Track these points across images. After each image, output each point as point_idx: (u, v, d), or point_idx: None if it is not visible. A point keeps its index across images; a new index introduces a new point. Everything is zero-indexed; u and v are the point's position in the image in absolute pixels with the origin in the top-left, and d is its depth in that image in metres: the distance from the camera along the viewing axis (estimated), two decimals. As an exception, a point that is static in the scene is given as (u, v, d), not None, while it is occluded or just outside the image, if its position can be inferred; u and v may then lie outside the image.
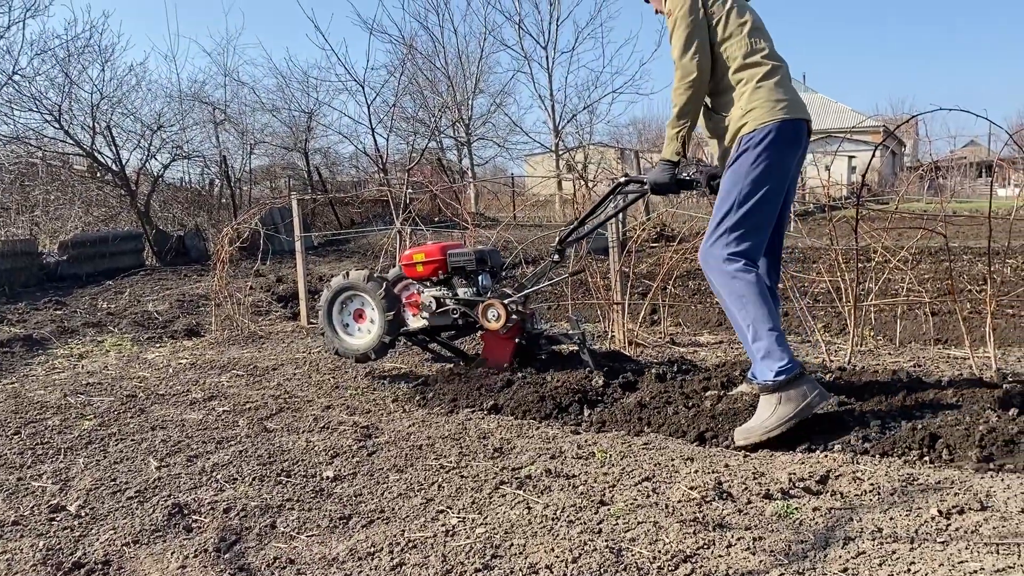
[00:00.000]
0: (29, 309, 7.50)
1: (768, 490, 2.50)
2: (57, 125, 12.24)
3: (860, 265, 4.46)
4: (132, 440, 3.41)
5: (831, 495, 2.46)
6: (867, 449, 2.83)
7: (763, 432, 2.96)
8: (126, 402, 4.08)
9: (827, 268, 5.67)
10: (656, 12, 3.59)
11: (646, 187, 3.59)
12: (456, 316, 4.34)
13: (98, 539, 2.39)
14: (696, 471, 2.72)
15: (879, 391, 3.39)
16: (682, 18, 3.20)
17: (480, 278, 4.34)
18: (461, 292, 4.35)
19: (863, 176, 5.07)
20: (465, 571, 2.08)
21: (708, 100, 3.32)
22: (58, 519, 2.56)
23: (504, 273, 4.53)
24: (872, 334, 5.08)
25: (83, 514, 2.60)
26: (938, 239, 4.79)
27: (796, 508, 2.36)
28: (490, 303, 4.16)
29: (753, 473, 2.67)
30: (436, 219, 12.46)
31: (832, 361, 4.27)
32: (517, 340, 4.24)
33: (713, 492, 2.49)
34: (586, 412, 3.51)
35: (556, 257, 4.13)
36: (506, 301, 4.15)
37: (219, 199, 16.25)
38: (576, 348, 4.19)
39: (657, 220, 10.89)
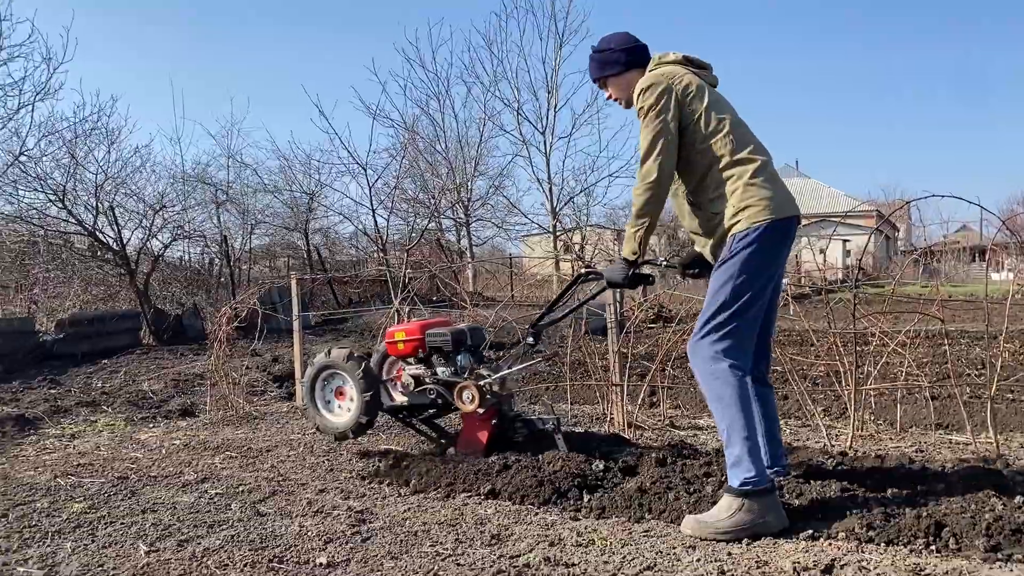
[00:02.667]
0: (23, 388, 7.44)
1: (772, 580, 2.44)
2: (60, 205, 12.39)
3: (858, 348, 4.46)
4: (122, 523, 3.33)
5: (837, 585, 2.41)
6: (872, 537, 2.77)
7: (714, 531, 2.89)
8: (117, 484, 4.01)
9: (825, 351, 5.66)
10: (608, 98, 3.57)
11: (604, 280, 3.62)
12: (433, 396, 4.33)
13: (82, 629, 2.32)
14: (699, 559, 2.66)
15: (882, 477, 3.35)
16: (649, 119, 3.19)
17: (459, 358, 4.30)
18: (440, 371, 4.33)
19: (859, 260, 5.12)
20: (461, 665, 2.01)
21: (692, 198, 3.29)
22: (42, 607, 2.49)
23: (489, 352, 4.50)
24: (872, 418, 5.04)
25: (68, 602, 2.52)
26: (935, 323, 4.81)
27: (802, 599, 2.29)
28: (464, 385, 4.14)
29: (756, 562, 2.61)
30: (435, 298, 12.50)
31: (833, 446, 4.22)
32: (493, 423, 4.19)
33: (716, 582, 2.43)
34: (586, 498, 3.45)
35: (531, 340, 4.09)
36: (481, 383, 4.12)
37: (218, 278, 16.35)
38: (551, 431, 4.13)
39: (655, 301, 10.94)
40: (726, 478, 3.10)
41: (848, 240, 33.94)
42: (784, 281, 3.79)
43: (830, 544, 2.77)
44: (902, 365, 5.17)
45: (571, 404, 6.14)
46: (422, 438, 4.77)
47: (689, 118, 3.22)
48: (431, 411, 4.61)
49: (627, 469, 3.72)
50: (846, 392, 4.49)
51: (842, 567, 2.54)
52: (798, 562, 2.56)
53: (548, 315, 4.16)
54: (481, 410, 4.12)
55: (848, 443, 4.27)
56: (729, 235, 3.12)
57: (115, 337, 10.70)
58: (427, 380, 4.34)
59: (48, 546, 3.08)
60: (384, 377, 4.69)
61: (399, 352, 4.44)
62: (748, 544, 2.83)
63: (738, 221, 3.09)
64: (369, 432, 5.10)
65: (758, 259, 3.06)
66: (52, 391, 7.33)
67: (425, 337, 4.33)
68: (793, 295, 9.13)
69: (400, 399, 4.53)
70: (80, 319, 10.41)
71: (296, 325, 6.83)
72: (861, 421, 4.64)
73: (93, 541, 3.12)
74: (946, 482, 3.22)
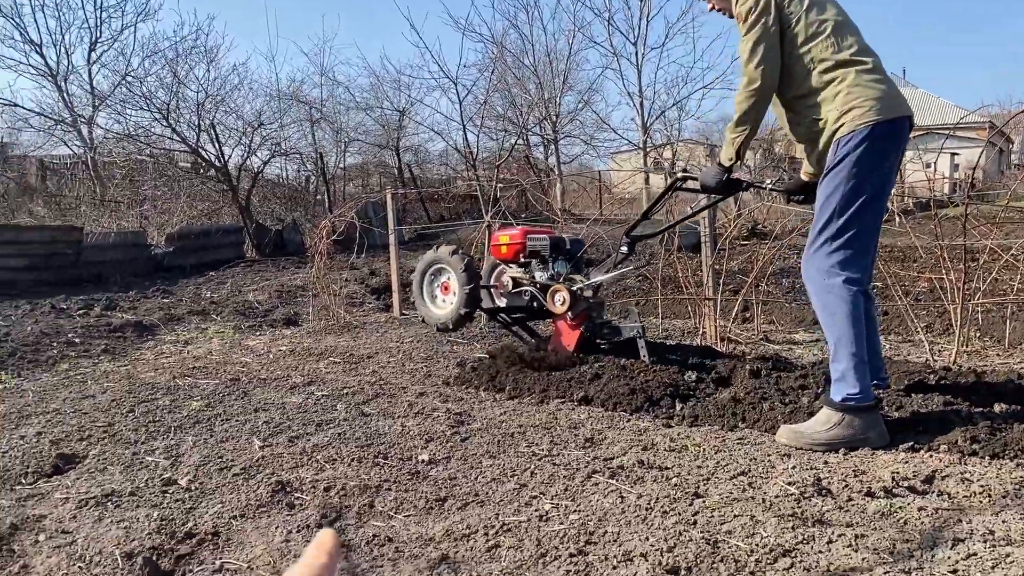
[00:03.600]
0: (139, 297, 7.89)
1: (870, 488, 2.43)
2: (165, 123, 12.83)
3: (967, 264, 4.28)
4: (236, 420, 3.55)
5: (938, 495, 2.38)
6: (976, 450, 2.71)
7: (810, 442, 2.89)
8: (230, 385, 4.25)
9: (931, 267, 5.45)
10: (711, 9, 3.45)
11: (699, 185, 3.62)
12: (528, 298, 4.52)
13: (207, 511, 2.51)
14: (794, 467, 2.67)
15: (987, 392, 3.25)
16: (750, 24, 3.07)
17: (555, 264, 4.48)
18: (537, 275, 4.51)
19: (971, 171, 4.86)
20: (560, 555, 2.09)
21: (795, 104, 3.16)
22: (170, 491, 2.70)
23: (584, 262, 4.63)
24: (978, 335, 4.86)
25: (193, 488, 2.73)
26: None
27: (900, 507, 2.28)
28: (557, 289, 4.30)
29: (853, 471, 2.60)
30: (524, 215, 12.51)
31: (936, 361, 4.11)
32: (583, 329, 4.30)
33: (812, 488, 2.44)
34: (678, 406, 3.48)
35: (624, 249, 4.17)
36: (574, 288, 4.27)
37: (314, 195, 16.74)
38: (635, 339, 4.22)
39: (749, 217, 10.67)
40: (824, 391, 3.07)
41: (957, 154, 32.07)
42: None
43: (931, 456, 2.73)
44: (1012, 281, 4.94)
45: (662, 319, 6.12)
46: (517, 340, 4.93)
47: (788, 21, 3.07)
48: (526, 314, 4.80)
49: (720, 380, 3.72)
50: (952, 308, 4.33)
51: (943, 478, 2.51)
52: (897, 472, 2.54)
53: (642, 224, 4.17)
54: (571, 314, 4.26)
55: (952, 358, 4.15)
56: (833, 140, 2.99)
57: (220, 250, 11.17)
58: (524, 283, 4.54)
59: (171, 439, 3.32)
60: (490, 282, 4.92)
61: (502, 255, 4.66)
62: (845, 454, 2.82)
63: (842, 125, 2.95)
64: (467, 338, 5.24)
65: (866, 163, 2.91)
66: (165, 300, 7.75)
67: (526, 241, 4.52)
68: (899, 209, 8.75)
69: (500, 301, 4.79)
70: (187, 233, 10.89)
71: (392, 239, 6.98)
72: (966, 337, 4.49)
73: (212, 436, 3.35)
74: (1058, 398, 3.10)
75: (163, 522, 2.42)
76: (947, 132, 27.25)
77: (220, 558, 2.20)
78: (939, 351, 4.44)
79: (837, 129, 2.97)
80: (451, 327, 4.77)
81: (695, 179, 3.67)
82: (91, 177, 14.16)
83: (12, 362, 4.94)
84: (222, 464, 2.96)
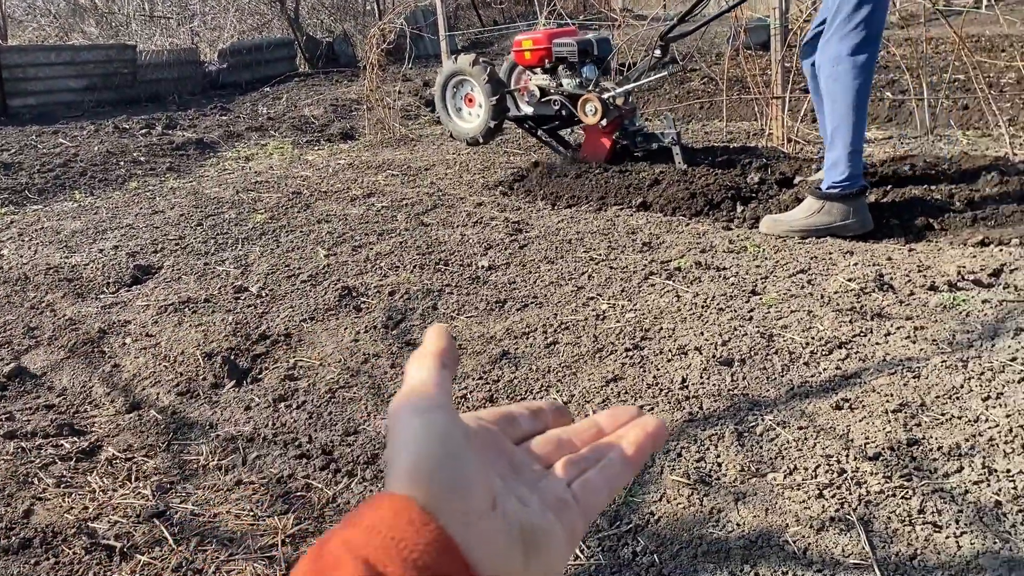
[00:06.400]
0: (198, 115, 7.93)
1: (934, 282, 2.40)
2: (206, -69, 12.32)
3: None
4: (301, 232, 3.64)
5: (1004, 288, 2.34)
6: (1049, 244, 2.63)
7: (788, 228, 3.02)
8: (292, 198, 4.33)
9: (1021, 55, 5.08)
10: None
11: None
12: (558, 107, 4.36)
13: (279, 315, 2.63)
14: (856, 264, 2.64)
15: (1069, 185, 3.10)
16: None
17: (584, 69, 4.28)
18: (565, 83, 4.33)
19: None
20: (616, 350, 2.15)
21: None
22: (242, 298, 2.83)
23: (614, 65, 4.45)
24: (1066, 128, 4.59)
25: (264, 294, 2.85)
26: None
27: (963, 300, 2.26)
28: (588, 98, 4.13)
29: (918, 266, 2.56)
30: (582, 16, 11.93)
31: (1016, 155, 3.91)
32: (615, 136, 4.19)
33: (873, 284, 2.42)
34: (739, 208, 3.42)
35: (658, 53, 3.99)
36: (605, 96, 4.09)
37: (364, 4, 16.16)
38: (670, 145, 4.11)
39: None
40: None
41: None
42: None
43: (1001, 250, 2.66)
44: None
45: (727, 122, 5.91)
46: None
47: None
48: (555, 123, 4.67)
49: (783, 181, 3.63)
50: (1039, 98, 4.06)
51: (1011, 271, 2.45)
52: (963, 266, 2.49)
53: (679, 27, 3.96)
54: (604, 123, 4.13)
55: (1034, 153, 3.94)
56: None
57: (272, 65, 11.02)
58: (552, 91, 4.37)
59: (239, 250, 3.43)
60: (512, 87, 4.73)
61: (526, 61, 4.45)
62: (911, 249, 2.77)
63: None
64: (523, 148, 5.18)
65: None
66: (223, 117, 7.78)
67: (552, 46, 4.29)
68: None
69: (526, 109, 4.61)
70: (239, 48, 10.72)
71: (443, 46, 6.77)
72: (1052, 130, 4.24)
73: (278, 246, 3.45)
74: None
75: (238, 325, 2.55)
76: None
77: (293, 357, 2.33)
78: (1021, 144, 4.22)
79: None
80: (481, 140, 4.70)
81: None
82: (138, -6, 13.89)
83: (84, 181, 5.09)
84: (289, 272, 3.06)
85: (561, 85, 4.35)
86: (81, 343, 2.54)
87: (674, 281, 2.65)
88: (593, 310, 2.46)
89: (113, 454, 1.89)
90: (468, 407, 1.93)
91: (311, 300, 2.74)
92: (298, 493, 1.69)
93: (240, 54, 10.58)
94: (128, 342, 2.53)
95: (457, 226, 3.57)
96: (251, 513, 1.63)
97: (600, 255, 3.00)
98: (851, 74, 2.89)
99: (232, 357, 2.33)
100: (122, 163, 5.59)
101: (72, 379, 2.32)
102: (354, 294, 2.76)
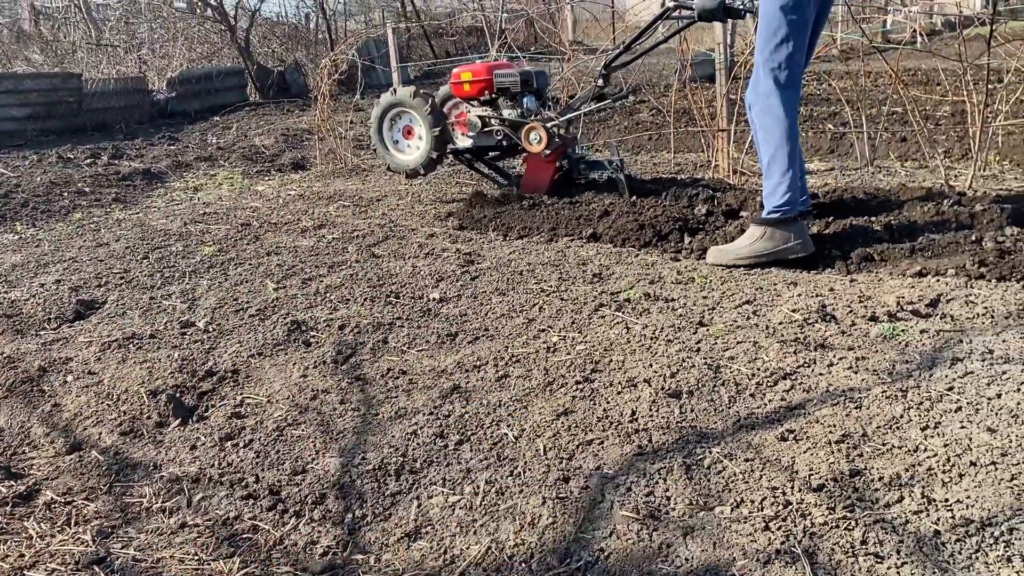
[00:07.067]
0: (145, 144, 7.82)
1: (874, 313, 2.46)
2: (154, -40, 12.22)
3: (991, 86, 4.12)
4: (250, 264, 3.60)
5: (941, 318, 2.41)
6: (983, 274, 2.72)
7: (734, 257, 3.10)
8: (241, 230, 4.28)
9: (953, 90, 5.27)
10: None
11: (694, 13, 3.54)
12: (500, 137, 4.42)
13: (226, 351, 2.59)
14: (799, 294, 2.70)
15: (1000, 216, 3.22)
16: None
17: (525, 100, 4.36)
18: (506, 113, 4.39)
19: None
20: (566, 383, 2.16)
21: None
22: (189, 333, 2.78)
23: (551, 96, 4.57)
24: (997, 159, 4.77)
25: (211, 329, 2.81)
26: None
27: (903, 330, 2.32)
28: (532, 126, 4.21)
29: (859, 296, 2.63)
30: (533, 48, 12.07)
31: (952, 186, 4.05)
32: (558, 165, 4.27)
33: (816, 315, 2.47)
34: (687, 240, 3.48)
35: (600, 82, 4.10)
36: (549, 124, 4.18)
37: (316, 34, 16.14)
38: (613, 174, 4.24)
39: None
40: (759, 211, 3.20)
41: (993, -32, 30.22)
42: (914, 9, 3.48)
43: (938, 280, 2.74)
44: (1038, 102, 4.79)
45: (675, 153, 6.02)
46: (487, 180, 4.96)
47: None
48: (495, 154, 4.74)
49: (730, 212, 3.70)
50: (971, 130, 4.22)
51: (948, 301, 2.53)
52: (902, 296, 2.56)
53: (621, 56, 4.10)
54: (547, 151, 4.22)
55: (968, 183, 4.08)
56: None
57: (222, 94, 10.94)
58: (493, 121, 4.41)
59: (187, 283, 3.38)
60: (451, 120, 4.77)
61: (465, 93, 4.48)
62: (852, 280, 2.84)
63: None
64: (476, 179, 5.21)
65: None
66: (172, 147, 7.68)
67: (493, 77, 4.34)
68: (924, 31, 8.35)
69: (465, 141, 4.63)
70: (189, 77, 10.62)
71: (396, 77, 6.79)
72: (985, 161, 4.40)
73: (226, 279, 3.40)
74: (1071, 221, 3.07)
75: (184, 362, 2.51)
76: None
77: (241, 394, 2.29)
78: (956, 176, 4.37)
79: None
80: (422, 172, 4.69)
81: (690, 8, 3.57)
82: (85, 21, 13.68)
83: (25, 212, 4.97)
84: (238, 306, 3.02)
85: (503, 115, 4.41)
86: (20, 382, 2.47)
87: (624, 312, 2.67)
88: (544, 342, 2.47)
89: (52, 498, 1.83)
90: (419, 443, 1.92)
91: (259, 335, 2.70)
92: (244, 535, 1.65)
93: (189, 83, 10.48)
94: (69, 380, 2.47)
95: (408, 258, 3.57)
96: (195, 557, 1.59)
97: (551, 286, 3.02)
98: (780, 107, 3.01)
99: (178, 395, 2.28)
100: (66, 194, 5.48)
101: (9, 419, 2.25)
102: (303, 328, 2.74)
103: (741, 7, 3.49)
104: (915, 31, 5.40)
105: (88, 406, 2.29)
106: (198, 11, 13.32)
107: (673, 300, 2.77)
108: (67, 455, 2.04)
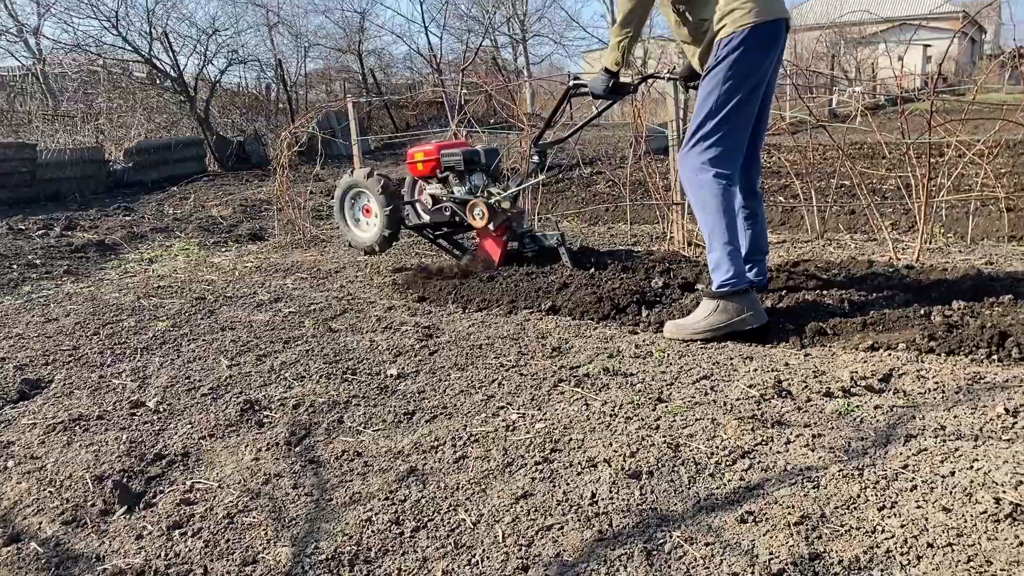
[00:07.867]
0: (100, 215, 7.74)
1: (829, 388, 2.49)
2: (115, 32, 12.31)
3: (933, 160, 4.28)
4: (203, 340, 3.54)
5: (894, 393, 2.44)
6: (933, 348, 2.78)
7: (691, 332, 3.13)
8: (196, 304, 4.22)
9: (897, 164, 5.46)
10: None
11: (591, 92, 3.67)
12: (449, 213, 4.60)
13: (176, 433, 2.52)
14: (755, 369, 2.72)
15: (947, 289, 3.31)
16: None
17: (472, 177, 4.52)
18: (455, 190, 4.56)
19: (939, 65, 4.81)
20: (526, 463, 2.14)
21: (680, 6, 3.23)
22: (139, 414, 2.70)
23: (504, 173, 4.75)
24: (942, 231, 4.92)
25: (162, 409, 2.73)
26: (1017, 132, 4.55)
27: (857, 406, 2.35)
28: (474, 203, 4.37)
29: (814, 372, 2.66)
30: (492, 121, 12.30)
31: (899, 259, 4.16)
32: (504, 238, 4.40)
33: (772, 390, 2.49)
34: (644, 312, 3.51)
35: (535, 159, 4.23)
36: (491, 201, 4.32)
37: (276, 104, 16.29)
38: (557, 247, 4.37)
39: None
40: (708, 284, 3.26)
41: (930, 45, 31.71)
42: (857, 89, 3.63)
43: (889, 355, 2.79)
44: (978, 176, 4.98)
45: (631, 224, 6.12)
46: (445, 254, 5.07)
47: None
48: (450, 228, 4.88)
49: (685, 285, 3.75)
50: (916, 204, 4.36)
51: (900, 376, 2.57)
52: (855, 371, 2.59)
53: (547, 133, 4.22)
54: (492, 226, 4.34)
55: (915, 256, 4.20)
56: (716, 41, 3.05)
57: (181, 164, 10.92)
58: (443, 199, 4.60)
59: (138, 361, 3.30)
60: (413, 198, 4.96)
61: (419, 172, 4.68)
62: (806, 356, 2.88)
63: (724, 26, 3.01)
64: (436, 251, 5.22)
65: (744, 64, 2.99)
66: (127, 218, 7.61)
67: (440, 156, 4.52)
68: (867, 106, 8.70)
69: (423, 217, 4.85)
70: (146, 147, 10.59)
71: (355, 149, 6.85)
72: (930, 234, 4.54)
73: (179, 356, 3.33)
74: (1014, 293, 3.16)
75: (132, 445, 2.43)
76: (919, 24, 26.91)
77: (191, 479, 2.22)
78: (903, 248, 4.50)
79: (719, 30, 3.04)
80: (377, 249, 4.92)
81: (585, 87, 3.71)
82: (42, 91, 13.64)
83: (-29, 287, 4.85)
84: (190, 385, 2.96)
85: (452, 192, 4.56)
86: (-44, 468, 2.37)
87: (583, 388, 2.67)
88: (503, 420, 2.44)
89: (-16, 596, 1.74)
90: (373, 530, 1.87)
91: (211, 415, 2.64)
92: (189, 634, 1.58)
93: (147, 153, 10.45)
94: (10, 465, 2.37)
95: (366, 332, 3.54)
96: (136, 659, 1.51)
97: (510, 361, 3.01)
98: (714, 182, 3.07)
99: (124, 480, 2.20)
100: (15, 266, 5.37)
101: (-57, 509, 2.15)
102: (256, 408, 2.68)
103: (630, 84, 3.65)
104: (857, 107, 5.62)
105: (29, 493, 2.20)
106: (158, 81, 13.37)
107: (632, 375, 2.77)
108: (4, 547, 1.94)
